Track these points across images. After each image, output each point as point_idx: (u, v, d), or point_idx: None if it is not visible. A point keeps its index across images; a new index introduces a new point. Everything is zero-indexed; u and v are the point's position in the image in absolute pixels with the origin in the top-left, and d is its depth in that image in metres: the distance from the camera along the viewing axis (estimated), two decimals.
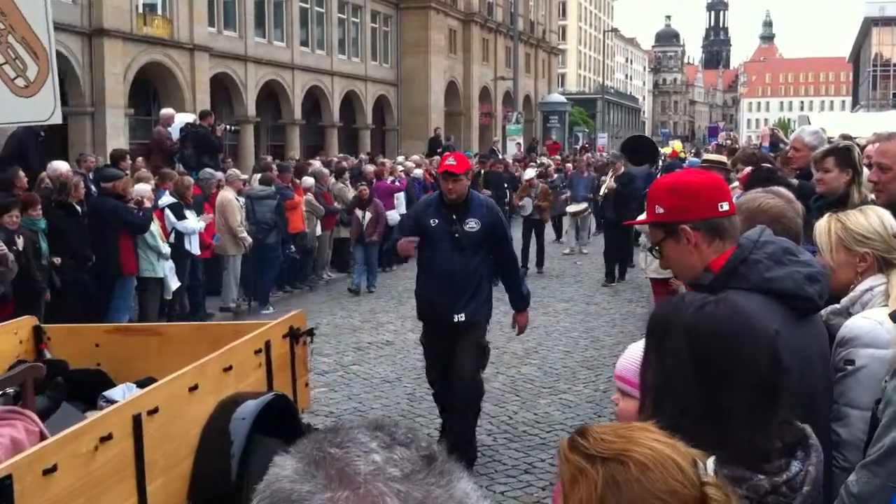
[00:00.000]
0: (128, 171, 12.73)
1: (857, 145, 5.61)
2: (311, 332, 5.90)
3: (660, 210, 2.61)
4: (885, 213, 3.27)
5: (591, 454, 1.42)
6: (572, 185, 20.12)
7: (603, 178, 16.71)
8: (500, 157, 30.83)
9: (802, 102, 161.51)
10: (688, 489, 1.41)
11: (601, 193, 16.64)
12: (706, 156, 10.33)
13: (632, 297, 14.56)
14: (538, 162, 29.98)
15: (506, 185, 19.31)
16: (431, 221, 6.52)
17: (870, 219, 3.16)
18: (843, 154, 5.04)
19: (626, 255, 16.17)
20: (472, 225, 6.46)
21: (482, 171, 18.76)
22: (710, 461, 1.46)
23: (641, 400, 2.00)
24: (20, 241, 9.08)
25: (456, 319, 6.50)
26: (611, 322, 12.60)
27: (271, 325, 5.49)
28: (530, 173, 18.60)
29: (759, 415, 1.83)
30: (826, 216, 3.26)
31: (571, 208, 19.69)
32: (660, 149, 26.13)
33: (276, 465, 0.95)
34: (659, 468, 1.40)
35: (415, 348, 11.12)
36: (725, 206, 2.55)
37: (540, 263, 17.38)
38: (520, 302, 7.00)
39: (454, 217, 6.47)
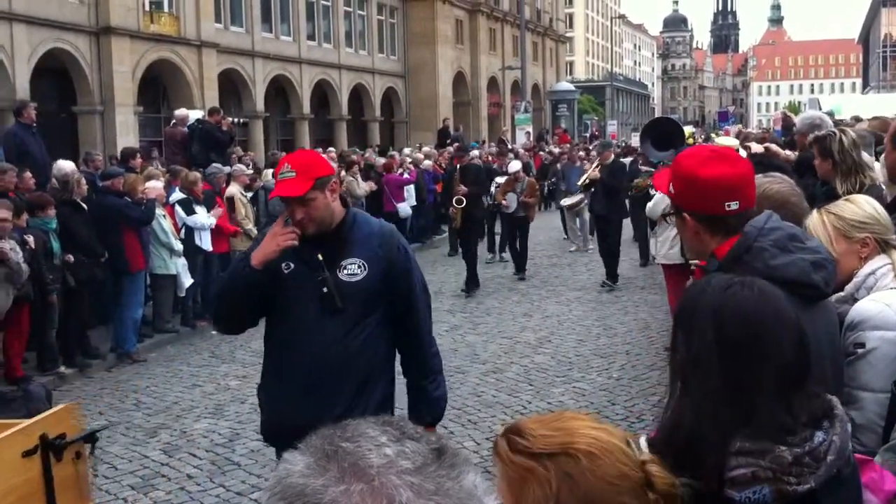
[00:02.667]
0: (138, 169, 12.79)
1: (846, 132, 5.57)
2: (91, 438, 3.59)
3: (671, 189, 2.63)
4: (870, 199, 3.32)
5: (536, 452, 1.41)
6: (565, 176, 18.95)
7: (588, 164, 15.17)
8: (510, 146, 30.84)
9: (813, 85, 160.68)
10: (634, 470, 1.43)
11: (579, 184, 15.03)
12: (717, 141, 10.28)
13: (644, 284, 14.53)
14: (547, 150, 30.00)
15: (492, 180, 16.38)
16: (284, 266, 3.74)
17: (861, 205, 3.21)
18: (822, 142, 4.99)
19: (615, 251, 14.56)
20: (354, 270, 3.73)
21: (458, 166, 15.58)
22: (642, 440, 1.48)
23: (671, 383, 2.03)
24: (31, 241, 9.12)
25: None
26: (623, 310, 12.58)
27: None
28: (515, 166, 16.64)
29: (784, 394, 1.85)
30: (814, 211, 3.27)
31: (566, 201, 18.33)
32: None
33: (285, 462, 0.95)
34: (606, 454, 1.42)
35: None
36: (734, 206, 2.51)
37: (521, 268, 15.69)
38: (428, 408, 4.05)
39: (320, 258, 3.70)
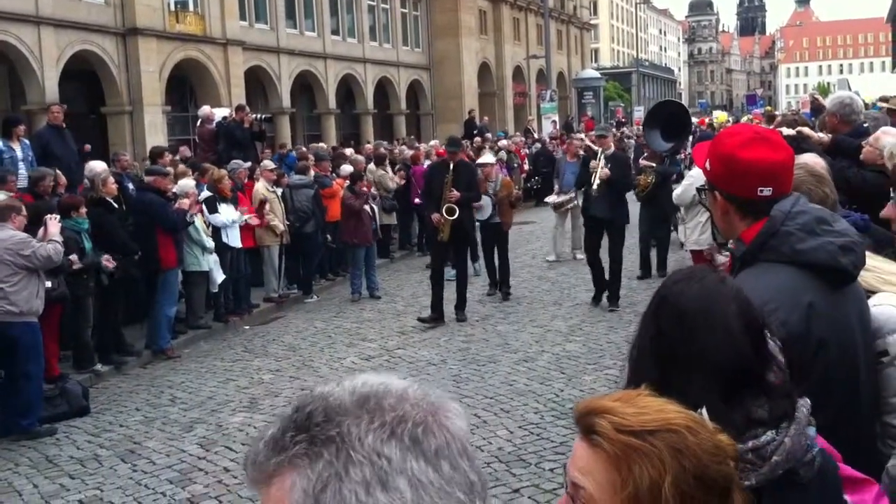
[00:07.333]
0: (169, 168, 12.92)
1: None
2: None
3: (707, 166, 2.60)
4: None
5: (638, 430, 1.40)
6: (559, 172, 15.72)
7: (592, 161, 11.89)
8: (536, 136, 30.73)
9: (842, 65, 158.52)
10: (718, 440, 1.44)
11: (594, 186, 11.60)
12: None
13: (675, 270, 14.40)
14: (571, 139, 29.80)
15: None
16: None
17: None
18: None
19: (618, 265, 12.03)
20: None
21: (451, 165, 11.81)
22: (704, 412, 1.52)
23: (624, 370, 2.03)
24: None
25: None
26: None
27: None
28: (488, 158, 13.95)
29: (730, 392, 1.81)
30: None
31: (551, 199, 15.44)
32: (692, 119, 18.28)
33: None
34: (700, 427, 1.43)
35: (459, 330, 11.18)
36: (767, 192, 2.47)
37: (504, 282, 13.05)
38: None
39: None
